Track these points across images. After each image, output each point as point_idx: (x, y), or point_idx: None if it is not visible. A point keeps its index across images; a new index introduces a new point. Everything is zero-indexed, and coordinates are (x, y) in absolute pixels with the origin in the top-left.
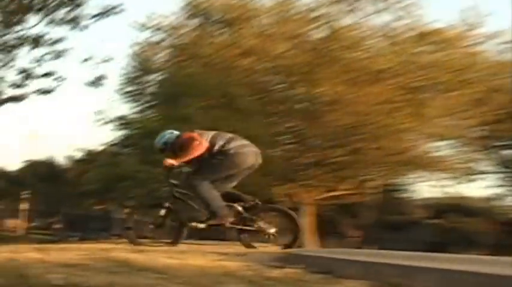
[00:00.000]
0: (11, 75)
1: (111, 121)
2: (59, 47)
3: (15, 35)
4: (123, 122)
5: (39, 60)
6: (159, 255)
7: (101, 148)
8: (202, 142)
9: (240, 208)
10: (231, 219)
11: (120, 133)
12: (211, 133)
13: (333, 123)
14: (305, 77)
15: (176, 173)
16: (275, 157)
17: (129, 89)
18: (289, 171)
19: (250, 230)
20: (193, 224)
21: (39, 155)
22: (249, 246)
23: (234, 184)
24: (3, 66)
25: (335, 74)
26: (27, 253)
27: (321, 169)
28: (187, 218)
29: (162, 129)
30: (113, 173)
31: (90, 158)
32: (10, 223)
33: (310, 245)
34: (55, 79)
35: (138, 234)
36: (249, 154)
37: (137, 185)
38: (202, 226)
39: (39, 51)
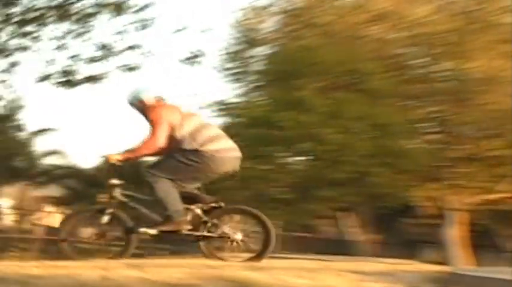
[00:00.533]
0: (88, 51)
1: (208, 106)
2: (145, 15)
3: (92, 1)
4: (222, 107)
5: (121, 32)
6: (284, 273)
7: None
8: (159, 139)
9: (198, 211)
10: (189, 225)
11: (219, 121)
12: (197, 124)
13: (488, 107)
14: (452, 48)
15: (120, 170)
16: (414, 150)
17: (230, 66)
18: (433, 168)
19: (212, 237)
20: (143, 230)
21: (121, 148)
22: (211, 256)
23: (198, 185)
24: (78, 38)
25: (491, 44)
26: (121, 270)
27: (474, 165)
28: (135, 224)
29: (270, 117)
30: None
31: None
32: (85, 232)
33: (462, 262)
34: (141, 54)
35: (76, 246)
36: (228, 160)
37: (241, 186)
38: (153, 232)
39: (121, 21)
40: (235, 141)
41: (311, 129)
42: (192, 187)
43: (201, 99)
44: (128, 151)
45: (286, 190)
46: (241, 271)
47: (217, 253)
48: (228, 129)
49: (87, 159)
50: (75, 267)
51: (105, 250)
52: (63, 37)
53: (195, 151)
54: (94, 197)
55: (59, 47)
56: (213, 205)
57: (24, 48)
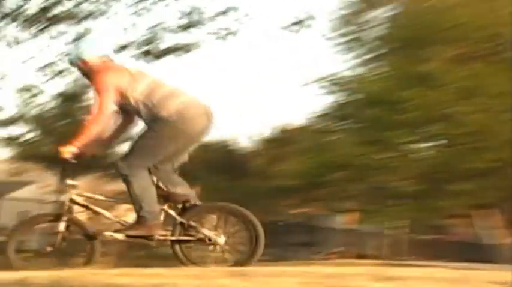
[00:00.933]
0: (173, 17)
1: (316, 82)
2: None
3: None
4: (333, 82)
5: None
6: (420, 284)
7: (301, 122)
8: (106, 108)
9: (172, 212)
10: (162, 229)
11: (330, 100)
12: (150, 83)
13: None
14: None
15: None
16: None
17: (343, 32)
18: None
19: (190, 241)
20: (108, 234)
21: (212, 134)
22: (188, 264)
23: (182, 160)
24: (161, 1)
25: None
26: (222, 279)
27: None
28: (97, 229)
29: (391, 94)
30: (321, 160)
31: (286, 139)
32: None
33: None
34: (236, 20)
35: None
36: (197, 115)
37: (356, 177)
38: (120, 236)
39: None
40: (352, 124)
41: (442, 109)
42: (180, 163)
43: (307, 72)
44: (76, 137)
45: (411, 182)
46: (369, 281)
47: (196, 259)
48: (341, 109)
49: None
50: (167, 276)
51: (64, 260)
52: (142, 0)
53: (158, 119)
54: None
55: (138, 12)
56: (188, 202)
57: (96, 14)
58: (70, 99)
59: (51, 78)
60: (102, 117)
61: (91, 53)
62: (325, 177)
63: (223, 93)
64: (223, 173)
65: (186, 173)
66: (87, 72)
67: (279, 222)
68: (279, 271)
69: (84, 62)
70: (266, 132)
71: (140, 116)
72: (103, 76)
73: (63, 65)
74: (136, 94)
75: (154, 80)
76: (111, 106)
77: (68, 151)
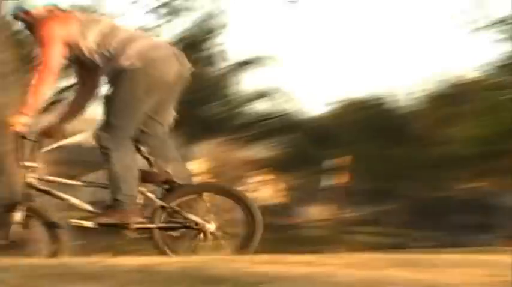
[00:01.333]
0: None
1: (491, 26)
2: None
3: None
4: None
5: None
6: None
7: (475, 76)
8: (51, 63)
9: (151, 194)
10: (140, 216)
11: (503, 47)
12: (105, 27)
13: None
14: None
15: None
16: None
17: None
18: None
19: (174, 228)
20: (75, 221)
21: (361, 90)
22: (171, 254)
23: (170, 119)
24: None
25: None
26: (388, 270)
27: None
28: (61, 216)
29: None
30: (500, 123)
31: (456, 96)
32: (310, 211)
33: None
34: None
35: None
36: (165, 56)
37: None
38: (89, 224)
39: None
40: None
41: None
42: (170, 123)
43: (479, 14)
44: (25, 104)
45: None
46: None
47: (181, 249)
48: None
49: (319, 104)
50: (320, 263)
51: (26, 254)
52: None
53: (121, 70)
54: (318, 160)
55: None
56: (170, 182)
57: None
58: (193, 46)
59: (168, 21)
60: (49, 74)
61: (35, 2)
62: (506, 144)
63: (376, 41)
64: (377, 138)
65: (333, 137)
66: (32, 24)
67: (446, 199)
68: (455, 259)
69: (27, 13)
70: (431, 87)
71: (99, 69)
72: (47, 27)
73: (181, 3)
74: (89, 43)
75: (110, 25)
76: (58, 60)
77: (19, 122)
